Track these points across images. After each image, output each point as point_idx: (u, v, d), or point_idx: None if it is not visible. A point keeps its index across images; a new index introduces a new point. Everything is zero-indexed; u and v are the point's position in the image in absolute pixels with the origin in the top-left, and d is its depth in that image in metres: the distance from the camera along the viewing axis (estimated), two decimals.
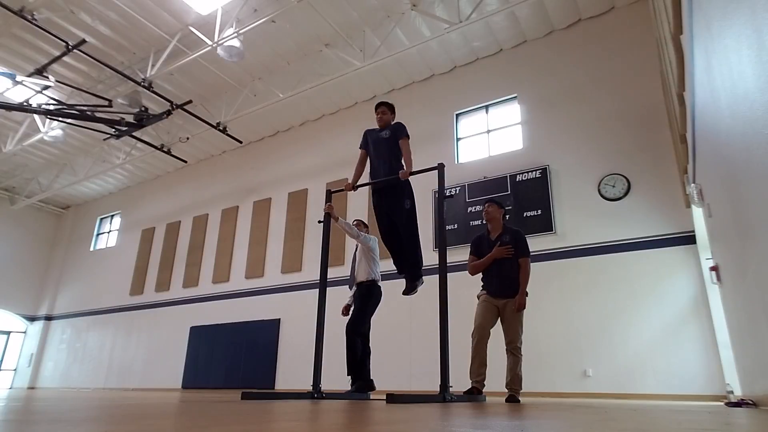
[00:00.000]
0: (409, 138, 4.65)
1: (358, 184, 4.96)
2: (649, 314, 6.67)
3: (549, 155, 8.16)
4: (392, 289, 7.94)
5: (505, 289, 4.47)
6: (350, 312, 5.14)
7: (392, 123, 4.79)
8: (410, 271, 4.67)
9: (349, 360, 4.88)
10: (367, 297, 5.02)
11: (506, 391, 4.40)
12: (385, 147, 4.67)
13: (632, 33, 7.89)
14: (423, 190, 8.78)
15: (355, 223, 5.27)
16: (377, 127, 4.84)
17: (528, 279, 4.48)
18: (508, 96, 9.07)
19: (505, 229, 4.68)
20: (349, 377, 4.95)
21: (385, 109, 4.82)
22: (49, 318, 15.44)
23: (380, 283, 5.15)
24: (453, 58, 9.60)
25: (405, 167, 4.49)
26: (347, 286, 5.34)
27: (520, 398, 4.36)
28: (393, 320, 8.52)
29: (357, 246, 5.25)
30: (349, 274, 5.36)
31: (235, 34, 8.19)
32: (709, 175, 4.16)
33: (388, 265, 8.91)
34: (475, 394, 4.29)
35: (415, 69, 9.92)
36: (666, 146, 7.00)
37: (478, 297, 4.65)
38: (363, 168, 4.94)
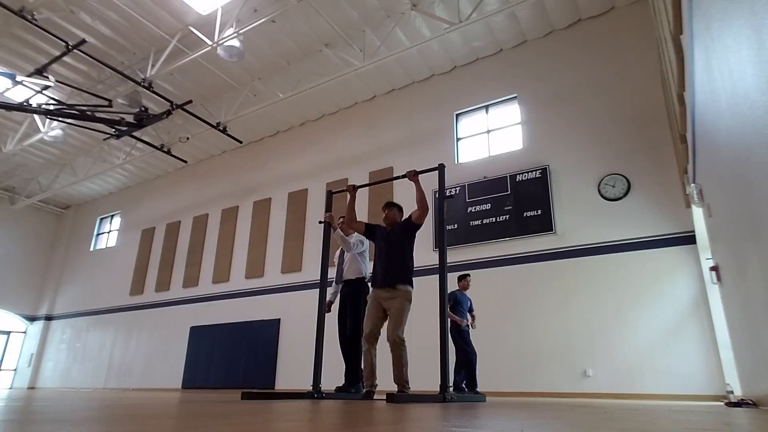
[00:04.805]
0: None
1: (358, 185, 4.96)
2: (649, 314, 6.67)
3: (549, 155, 8.16)
4: None
5: (391, 275, 4.30)
6: (332, 309, 5.14)
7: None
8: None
9: (355, 364, 4.86)
10: (358, 297, 4.96)
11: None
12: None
13: (632, 33, 7.88)
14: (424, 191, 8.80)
15: (339, 221, 5.23)
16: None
17: (421, 197, 4.43)
18: (508, 96, 9.07)
19: (397, 223, 4.59)
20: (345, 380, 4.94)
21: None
22: (49, 318, 15.44)
23: (368, 280, 5.16)
24: (453, 58, 9.60)
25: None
26: (334, 281, 5.30)
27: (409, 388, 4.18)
28: None
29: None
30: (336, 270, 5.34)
31: (235, 34, 8.18)
32: (709, 175, 4.16)
33: None
34: (371, 398, 4.22)
35: (415, 69, 9.92)
36: (666, 146, 7.00)
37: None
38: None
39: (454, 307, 6.10)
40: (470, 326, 6.26)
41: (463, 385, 6.02)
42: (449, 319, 5.96)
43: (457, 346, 6.05)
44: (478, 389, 6.01)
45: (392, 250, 4.39)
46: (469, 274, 6.48)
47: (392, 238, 4.45)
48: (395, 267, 4.30)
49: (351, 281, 5.05)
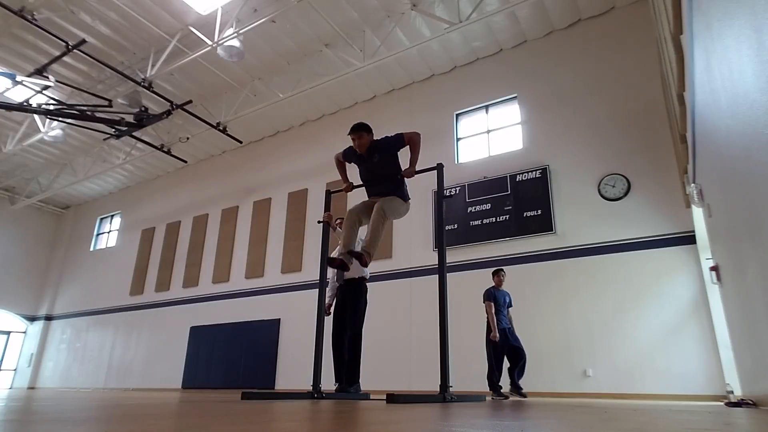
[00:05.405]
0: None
1: (355, 185, 4.93)
2: (649, 314, 6.67)
3: (549, 155, 8.16)
4: (393, 289, 7.92)
5: (383, 189, 4.35)
6: (333, 311, 5.12)
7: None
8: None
9: (355, 364, 4.86)
10: (359, 295, 4.99)
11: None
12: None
13: (632, 33, 7.89)
14: (423, 190, 8.81)
15: (337, 221, 5.25)
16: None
17: (418, 151, 4.30)
18: (508, 96, 9.07)
19: (373, 145, 4.33)
20: (341, 380, 4.92)
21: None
22: (49, 318, 15.44)
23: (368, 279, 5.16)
24: (453, 58, 9.60)
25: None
26: (335, 279, 5.30)
27: (368, 260, 4.04)
28: (393, 320, 8.52)
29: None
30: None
31: (235, 34, 8.19)
32: (709, 175, 4.17)
33: (383, 266, 8.86)
34: (340, 262, 4.07)
35: (415, 69, 9.92)
36: (666, 146, 7.00)
37: None
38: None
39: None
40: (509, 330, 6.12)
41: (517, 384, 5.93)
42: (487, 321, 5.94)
43: (488, 347, 6.02)
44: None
45: (380, 173, 4.34)
46: (502, 269, 6.29)
47: (378, 163, 4.34)
48: (389, 188, 4.32)
49: (353, 280, 5.05)
